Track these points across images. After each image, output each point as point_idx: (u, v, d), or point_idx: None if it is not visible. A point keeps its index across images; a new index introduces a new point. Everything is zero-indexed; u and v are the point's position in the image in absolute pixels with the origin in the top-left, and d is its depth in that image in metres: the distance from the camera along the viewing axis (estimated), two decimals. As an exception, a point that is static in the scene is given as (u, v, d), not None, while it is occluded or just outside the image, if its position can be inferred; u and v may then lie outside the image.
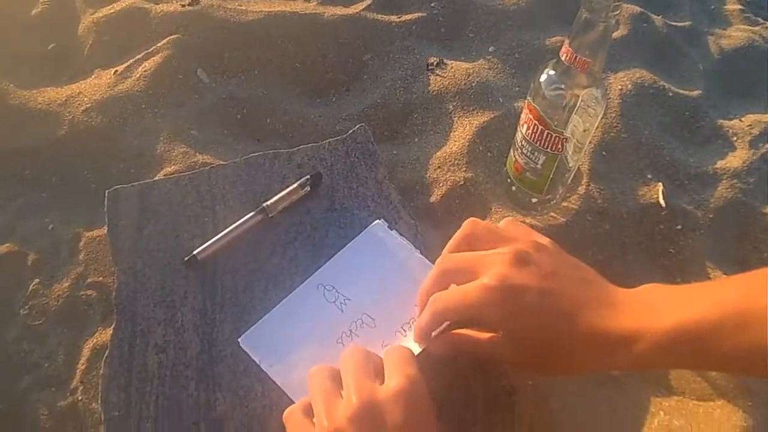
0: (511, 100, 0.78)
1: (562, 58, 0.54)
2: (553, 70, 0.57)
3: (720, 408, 0.58)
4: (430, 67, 0.81)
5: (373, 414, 0.42)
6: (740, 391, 0.58)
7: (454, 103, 0.77)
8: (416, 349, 0.52)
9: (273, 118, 0.77)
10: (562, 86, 0.56)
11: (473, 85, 0.78)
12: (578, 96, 0.55)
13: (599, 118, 0.59)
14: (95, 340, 0.61)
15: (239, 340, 0.58)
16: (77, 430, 0.57)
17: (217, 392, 0.57)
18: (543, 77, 0.58)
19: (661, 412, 0.58)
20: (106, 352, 0.57)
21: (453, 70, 0.80)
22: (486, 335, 0.50)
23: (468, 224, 0.53)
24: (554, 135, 0.58)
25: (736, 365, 0.41)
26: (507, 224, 0.54)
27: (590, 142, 0.66)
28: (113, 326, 0.59)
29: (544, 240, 0.51)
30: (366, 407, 0.43)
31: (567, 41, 0.53)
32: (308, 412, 0.48)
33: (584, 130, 0.58)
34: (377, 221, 0.65)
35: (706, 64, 0.90)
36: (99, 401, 0.55)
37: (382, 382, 0.45)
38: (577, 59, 0.53)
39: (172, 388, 0.57)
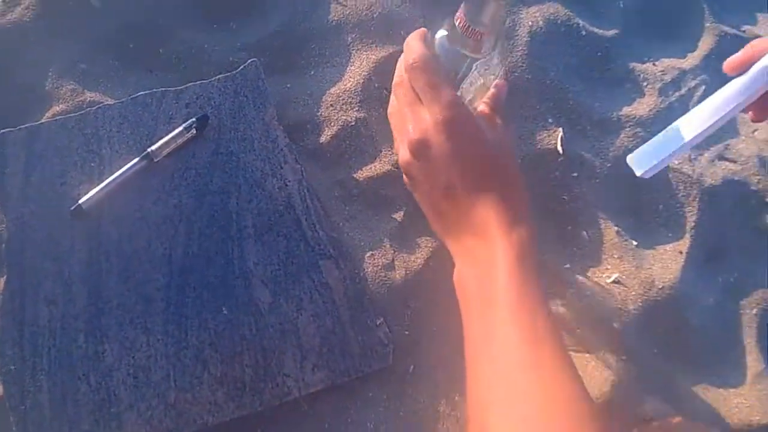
0: (413, 35, 0.73)
1: (456, 24, 0.49)
2: (446, 30, 0.52)
3: (594, 360, 0.61)
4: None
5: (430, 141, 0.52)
6: (613, 347, 0.61)
7: (354, 35, 0.73)
8: None
9: (167, 47, 0.73)
10: (456, 49, 0.51)
11: (375, 16, 0.73)
12: (472, 61, 0.51)
13: (495, 79, 0.56)
14: (-10, 290, 0.63)
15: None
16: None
17: (105, 343, 0.60)
18: (438, 36, 0.53)
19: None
20: (-1, 306, 0.60)
21: (356, -2, 0.74)
22: None
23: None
24: None
25: None
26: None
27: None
28: (4, 279, 0.61)
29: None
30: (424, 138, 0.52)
31: (463, 3, 0.48)
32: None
33: (481, 87, 0.55)
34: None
35: (627, 0, 0.82)
36: (-6, 354, 0.59)
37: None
38: (470, 30, 0.48)
39: (62, 340, 0.60)
